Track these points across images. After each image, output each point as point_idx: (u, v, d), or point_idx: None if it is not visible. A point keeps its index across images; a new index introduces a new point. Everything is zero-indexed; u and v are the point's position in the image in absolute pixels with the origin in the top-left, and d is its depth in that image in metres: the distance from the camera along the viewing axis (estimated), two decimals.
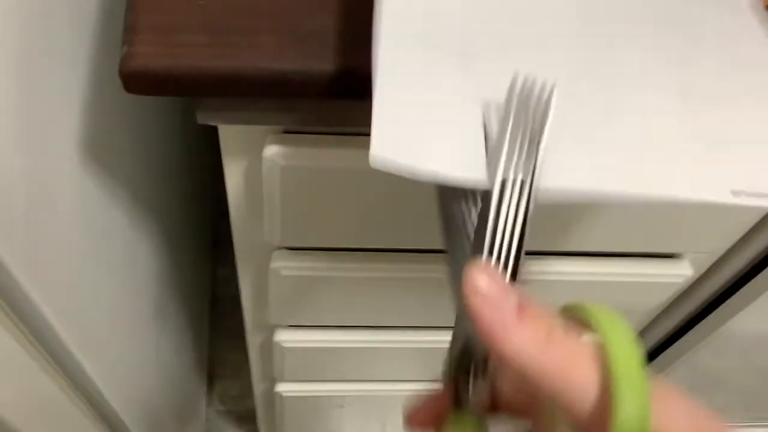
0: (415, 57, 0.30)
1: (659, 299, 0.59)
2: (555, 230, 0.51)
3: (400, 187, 0.45)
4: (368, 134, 0.42)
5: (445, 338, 0.67)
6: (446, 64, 0.31)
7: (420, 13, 0.32)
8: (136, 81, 0.34)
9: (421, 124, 0.29)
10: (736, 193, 0.30)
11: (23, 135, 0.36)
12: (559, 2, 0.34)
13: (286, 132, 0.43)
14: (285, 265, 0.53)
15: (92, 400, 0.52)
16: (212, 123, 0.40)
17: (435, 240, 0.51)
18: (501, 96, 0.27)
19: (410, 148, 0.28)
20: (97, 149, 0.46)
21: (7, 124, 0.34)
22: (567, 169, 0.29)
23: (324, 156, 0.43)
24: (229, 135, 0.43)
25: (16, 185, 0.35)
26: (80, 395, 0.50)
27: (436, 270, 0.54)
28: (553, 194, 0.28)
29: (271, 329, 0.66)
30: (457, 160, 0.28)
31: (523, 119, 0.27)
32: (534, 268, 0.55)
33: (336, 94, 0.35)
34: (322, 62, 0.35)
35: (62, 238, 0.42)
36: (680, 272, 0.55)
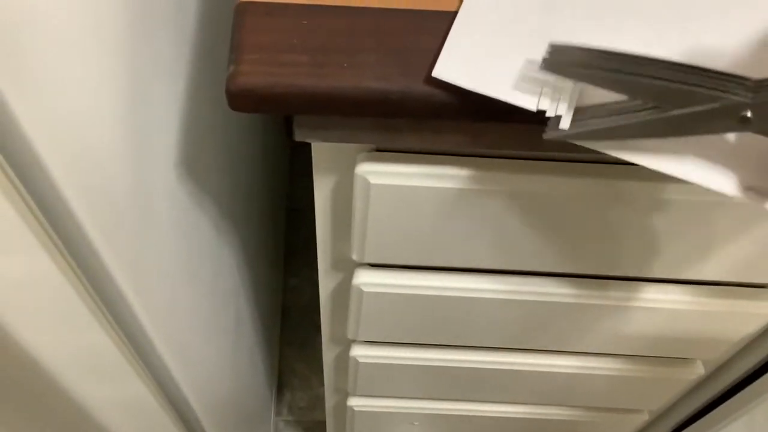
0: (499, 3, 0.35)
1: (747, 331, 0.57)
2: (649, 253, 0.50)
3: (490, 207, 0.45)
4: (462, 155, 0.42)
5: (524, 360, 0.66)
6: (528, 8, 0.35)
7: None
8: (242, 99, 0.35)
9: (489, 52, 0.34)
10: (749, 189, 0.32)
11: (131, 147, 0.37)
12: None
13: (378, 149, 0.43)
14: (368, 282, 0.53)
15: (177, 404, 0.54)
16: (309, 140, 0.40)
17: (519, 261, 0.51)
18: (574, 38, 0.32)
19: (472, 72, 0.33)
20: (192, 164, 0.48)
21: (118, 137, 0.35)
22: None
23: (415, 175, 0.42)
24: (322, 152, 0.43)
25: (125, 195, 0.37)
26: (167, 400, 0.51)
27: (519, 292, 0.54)
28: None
29: (348, 343, 0.66)
30: (512, 90, 0.33)
31: None
32: (617, 293, 0.54)
33: (436, 115, 0.35)
34: (424, 82, 0.34)
35: (162, 250, 0.43)
36: None
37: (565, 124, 0.33)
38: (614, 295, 0.54)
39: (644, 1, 0.36)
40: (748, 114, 0.30)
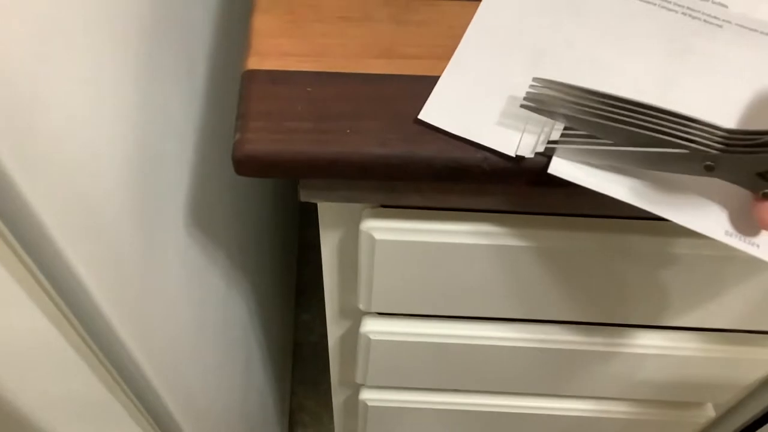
0: (489, 52, 0.37)
1: (756, 376, 0.57)
2: (659, 303, 0.50)
3: (495, 260, 0.45)
4: (465, 209, 0.43)
5: (533, 403, 0.66)
6: (514, 65, 0.37)
7: (504, 30, 0.38)
8: (247, 165, 0.36)
9: (474, 99, 0.36)
10: (728, 234, 0.33)
11: (142, 210, 0.38)
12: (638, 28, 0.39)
13: (383, 205, 0.43)
14: (375, 330, 0.54)
15: None
16: (314, 200, 0.41)
17: (527, 311, 0.51)
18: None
19: (456, 117, 0.35)
20: (201, 219, 0.49)
21: (129, 200, 0.36)
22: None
23: (418, 230, 0.43)
24: (327, 209, 0.44)
25: (134, 258, 0.37)
26: None
27: (528, 339, 0.54)
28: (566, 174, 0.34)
29: (357, 387, 0.66)
30: (491, 133, 0.35)
31: None
32: (628, 340, 0.54)
33: (437, 178, 0.36)
34: (424, 147, 0.35)
35: (169, 303, 0.44)
36: None
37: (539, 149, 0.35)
38: (624, 342, 0.54)
39: (627, 58, 0.37)
40: (712, 163, 0.32)
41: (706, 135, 0.32)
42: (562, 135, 0.34)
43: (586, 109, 0.33)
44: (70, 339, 0.33)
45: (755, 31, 0.38)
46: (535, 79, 0.34)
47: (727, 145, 0.32)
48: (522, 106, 0.34)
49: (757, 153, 0.31)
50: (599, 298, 0.50)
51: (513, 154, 0.35)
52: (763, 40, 0.38)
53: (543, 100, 0.34)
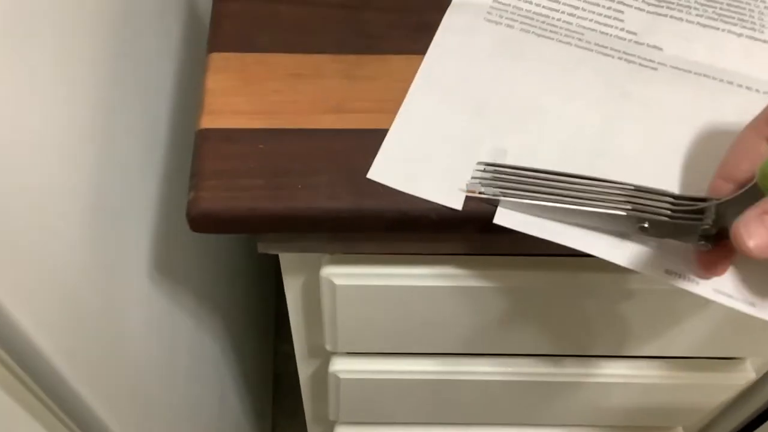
0: (434, 104, 0.39)
1: (720, 400, 0.58)
2: (620, 334, 0.51)
3: (451, 300, 0.46)
4: (423, 253, 0.43)
5: None
6: (459, 114, 0.38)
7: (449, 80, 0.40)
8: (202, 223, 0.37)
9: (421, 154, 0.37)
10: (669, 273, 0.35)
11: (97, 264, 0.38)
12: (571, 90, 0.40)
13: (340, 253, 0.44)
14: (344, 369, 0.54)
15: None
16: (272, 252, 0.42)
17: (491, 345, 0.52)
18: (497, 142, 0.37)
19: (403, 173, 0.37)
20: (166, 266, 0.49)
21: (83, 254, 0.37)
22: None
23: (377, 275, 0.44)
24: (288, 258, 0.45)
25: (94, 315, 0.38)
26: None
27: (494, 372, 0.55)
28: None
29: (332, 423, 0.67)
30: (438, 189, 0.36)
31: None
32: (594, 370, 0.55)
33: (387, 229, 0.37)
34: (374, 200, 0.36)
35: (133, 360, 0.44)
36: (742, 375, 0.54)
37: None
38: (590, 372, 0.55)
39: (567, 105, 0.39)
40: (646, 225, 0.33)
41: (651, 203, 0.34)
42: (506, 188, 0.35)
43: (528, 186, 0.35)
44: (27, 403, 0.33)
45: (689, 72, 0.40)
46: (478, 164, 0.36)
47: (672, 211, 0.33)
48: (467, 190, 0.36)
49: (698, 220, 0.32)
50: (561, 331, 0.51)
51: (460, 208, 0.36)
52: (697, 81, 0.40)
53: (487, 183, 0.36)
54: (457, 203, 0.36)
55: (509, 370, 0.55)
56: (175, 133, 0.51)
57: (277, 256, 0.46)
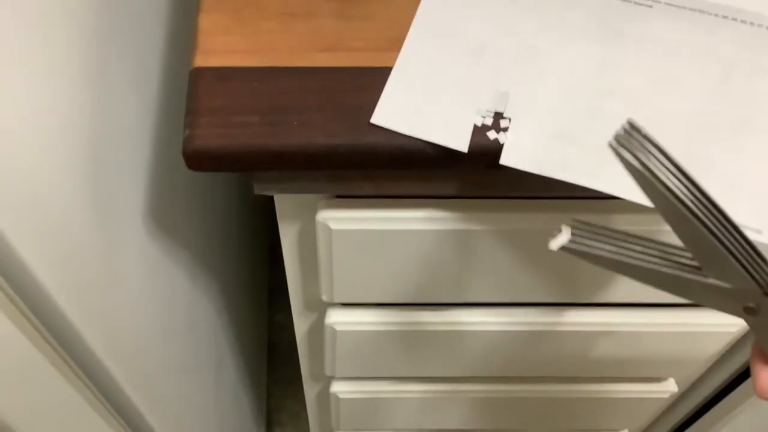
0: (433, 50, 0.38)
1: (712, 349, 0.59)
2: (612, 279, 0.51)
3: (450, 245, 0.46)
4: (419, 196, 0.44)
5: (502, 387, 0.67)
6: (458, 58, 0.38)
7: (446, 25, 0.39)
8: (198, 160, 0.36)
9: (423, 98, 0.37)
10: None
11: (95, 210, 0.38)
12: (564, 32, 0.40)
13: (338, 196, 0.44)
14: (340, 321, 0.55)
15: None
16: (268, 193, 0.42)
17: (485, 294, 0.53)
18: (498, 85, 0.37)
19: (407, 117, 0.36)
20: (161, 219, 0.49)
21: (81, 201, 0.37)
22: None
23: (374, 219, 0.44)
24: (284, 202, 0.45)
25: (90, 257, 0.38)
26: None
27: (483, 323, 0.55)
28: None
29: (328, 380, 0.67)
30: (445, 132, 0.36)
31: None
32: (586, 319, 0.56)
33: (384, 165, 0.37)
34: (370, 135, 0.36)
35: (131, 305, 0.44)
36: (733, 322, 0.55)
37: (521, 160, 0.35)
38: (586, 320, 0.56)
39: (564, 46, 0.39)
40: (755, 305, 0.28)
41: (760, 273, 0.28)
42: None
43: (626, 251, 0.30)
44: (36, 343, 0.33)
45: (684, 8, 0.40)
46: (574, 223, 0.31)
47: None
48: (566, 249, 0.31)
49: None
50: (556, 277, 0.51)
51: (465, 150, 0.36)
52: (692, 16, 0.40)
53: (584, 248, 0.31)
54: (463, 146, 0.36)
55: (505, 320, 0.55)
56: (167, 74, 0.51)
57: (272, 210, 0.46)
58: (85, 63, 0.37)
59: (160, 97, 0.50)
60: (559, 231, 0.31)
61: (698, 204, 0.27)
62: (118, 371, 0.43)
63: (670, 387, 0.67)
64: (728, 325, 0.56)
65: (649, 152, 0.26)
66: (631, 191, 0.33)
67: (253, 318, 1.00)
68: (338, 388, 0.66)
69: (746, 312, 0.28)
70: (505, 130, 0.36)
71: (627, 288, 0.52)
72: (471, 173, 0.41)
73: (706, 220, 0.27)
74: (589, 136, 0.36)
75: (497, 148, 0.36)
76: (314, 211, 0.45)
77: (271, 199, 0.45)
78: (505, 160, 0.36)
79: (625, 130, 0.26)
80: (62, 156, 0.34)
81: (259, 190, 0.41)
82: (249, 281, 0.94)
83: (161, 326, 0.50)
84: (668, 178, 0.26)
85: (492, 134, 0.36)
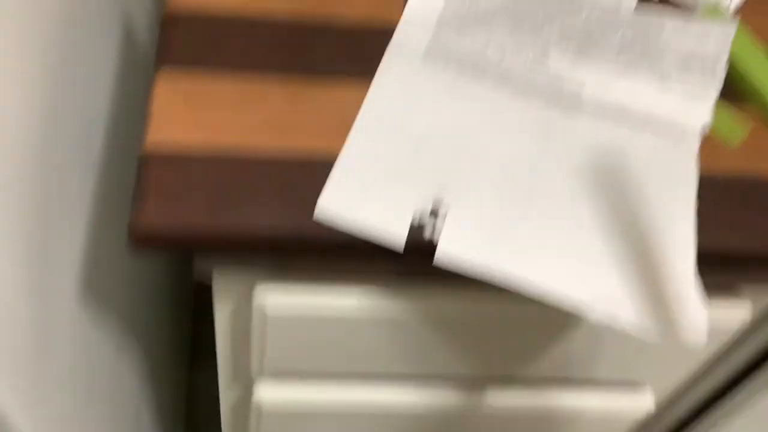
0: (376, 144, 0.41)
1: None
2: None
3: (388, 330, 0.48)
4: (356, 283, 0.44)
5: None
6: (400, 151, 0.41)
7: (388, 126, 0.42)
8: (144, 243, 0.37)
9: (364, 195, 0.39)
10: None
11: (30, 282, 0.38)
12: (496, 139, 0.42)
13: (275, 280, 0.45)
14: (268, 396, 0.55)
15: None
16: (207, 282, 0.42)
17: (414, 368, 0.54)
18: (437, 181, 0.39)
19: (349, 213, 0.38)
20: (94, 290, 0.49)
21: (16, 273, 0.36)
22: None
23: (309, 305, 0.45)
24: (222, 283, 0.46)
25: (22, 329, 0.37)
26: None
27: (414, 398, 0.56)
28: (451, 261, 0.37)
29: None
30: (383, 229, 0.38)
31: None
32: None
33: (326, 255, 0.39)
34: (314, 227, 0.38)
35: (58, 376, 0.43)
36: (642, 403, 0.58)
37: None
38: (521, 401, 0.57)
39: (499, 146, 0.42)
40: None
41: None
42: None
43: None
44: None
45: (607, 116, 0.44)
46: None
47: None
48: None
49: None
50: (493, 356, 0.53)
51: (401, 249, 0.38)
52: (615, 124, 0.43)
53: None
54: (399, 245, 0.38)
55: (433, 394, 0.56)
56: (111, 152, 0.51)
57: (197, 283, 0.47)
58: (30, 123, 0.37)
59: (103, 169, 0.50)
60: None
61: None
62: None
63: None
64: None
65: None
66: (563, 293, 0.36)
67: (174, 378, 0.98)
68: None
69: None
70: (439, 228, 0.38)
71: (562, 363, 0.54)
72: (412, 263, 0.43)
73: None
74: (520, 237, 0.39)
75: (433, 247, 0.38)
76: (250, 293, 0.45)
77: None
78: (438, 260, 0.38)
79: None
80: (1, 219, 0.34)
81: (200, 266, 0.42)
82: (171, 342, 0.93)
83: (84, 394, 0.49)
84: None
85: (428, 232, 0.38)
